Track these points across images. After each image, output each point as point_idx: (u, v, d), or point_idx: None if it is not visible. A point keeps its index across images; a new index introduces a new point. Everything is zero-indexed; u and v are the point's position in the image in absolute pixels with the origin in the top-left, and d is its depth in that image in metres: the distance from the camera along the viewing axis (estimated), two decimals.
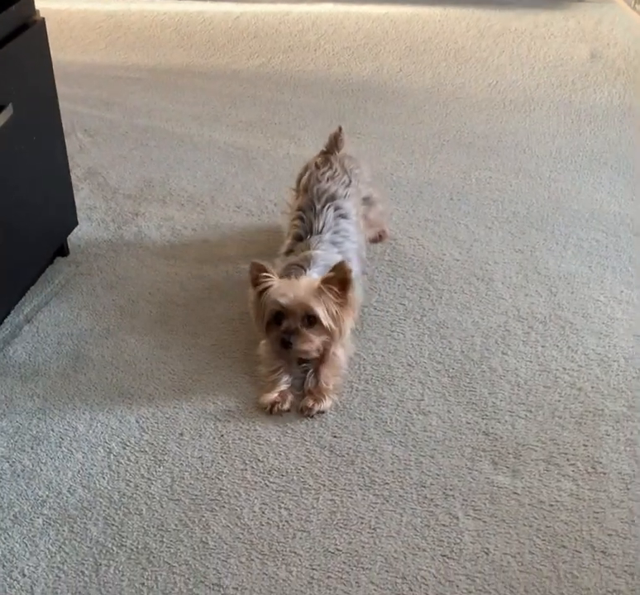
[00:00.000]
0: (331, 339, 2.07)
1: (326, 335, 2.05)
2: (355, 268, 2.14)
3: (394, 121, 3.43)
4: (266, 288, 2.05)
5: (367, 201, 2.48)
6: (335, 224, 2.26)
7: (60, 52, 3.92)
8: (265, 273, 2.06)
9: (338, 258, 2.12)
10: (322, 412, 2.05)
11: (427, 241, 2.69)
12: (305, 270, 2.13)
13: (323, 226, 2.24)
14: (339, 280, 2.02)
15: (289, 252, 2.26)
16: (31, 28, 2.26)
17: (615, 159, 3.17)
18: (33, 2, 2.29)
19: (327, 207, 2.27)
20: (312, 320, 2.02)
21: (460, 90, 3.69)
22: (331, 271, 2.04)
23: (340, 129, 2.51)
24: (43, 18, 2.30)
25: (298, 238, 2.27)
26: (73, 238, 2.67)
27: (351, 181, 2.37)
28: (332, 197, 2.30)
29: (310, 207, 2.28)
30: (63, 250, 2.62)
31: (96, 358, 2.25)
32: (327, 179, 2.34)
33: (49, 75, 2.39)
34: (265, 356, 2.16)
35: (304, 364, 2.15)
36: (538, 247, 2.66)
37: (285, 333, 2.02)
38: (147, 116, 3.48)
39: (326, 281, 2.02)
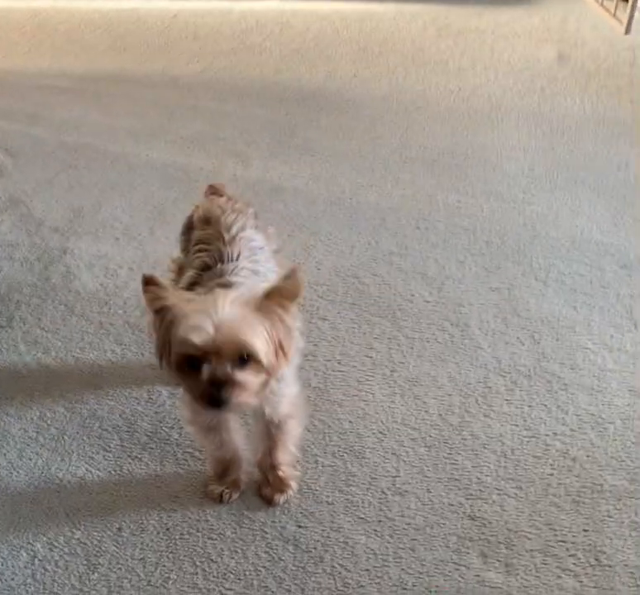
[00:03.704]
0: (268, 378, 1.49)
1: (265, 374, 1.47)
2: None
3: (350, 136, 3.13)
4: (166, 310, 1.44)
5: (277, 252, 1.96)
6: (252, 253, 1.72)
7: None
8: (156, 287, 1.45)
9: (264, 286, 1.52)
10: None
11: (394, 279, 2.41)
12: None
13: (239, 254, 1.70)
14: (291, 292, 1.46)
15: (193, 285, 1.66)
16: None
17: (593, 177, 2.92)
18: None
19: (238, 235, 1.75)
20: (246, 358, 1.42)
21: (420, 98, 3.40)
22: (281, 279, 1.47)
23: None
24: None
25: (205, 267, 1.68)
26: None
27: (256, 215, 1.90)
28: (242, 228, 1.78)
29: (217, 237, 1.73)
30: None
31: (17, 434, 1.94)
32: (233, 211, 1.83)
33: None
34: (191, 420, 1.72)
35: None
36: (516, 284, 2.40)
37: (212, 385, 1.40)
38: (76, 132, 3.14)
39: (273, 294, 1.45)
